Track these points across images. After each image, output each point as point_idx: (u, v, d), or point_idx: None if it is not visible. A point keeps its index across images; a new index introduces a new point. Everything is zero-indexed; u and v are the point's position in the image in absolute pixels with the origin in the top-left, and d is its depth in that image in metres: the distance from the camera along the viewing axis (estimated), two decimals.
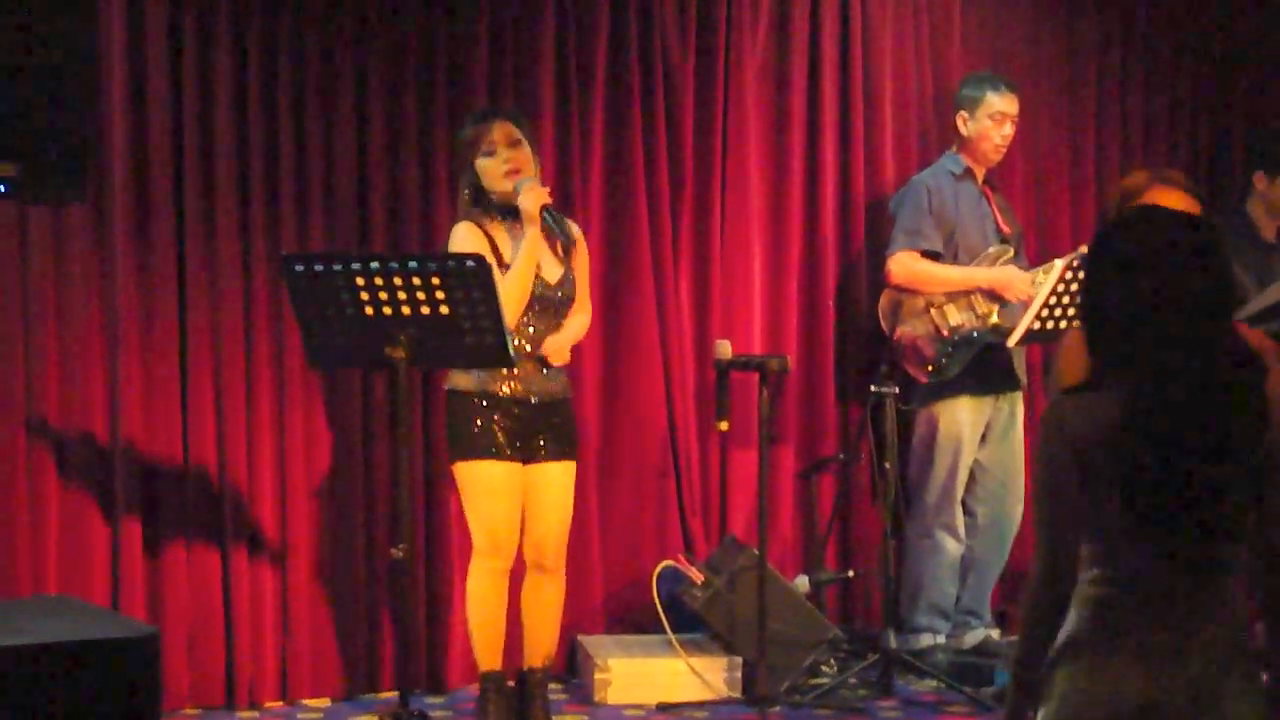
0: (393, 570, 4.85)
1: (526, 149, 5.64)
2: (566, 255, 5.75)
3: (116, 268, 5.96)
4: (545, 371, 5.68)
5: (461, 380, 5.64)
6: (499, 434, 5.60)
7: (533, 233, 5.52)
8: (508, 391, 5.60)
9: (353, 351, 4.99)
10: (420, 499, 6.38)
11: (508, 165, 5.59)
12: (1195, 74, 7.81)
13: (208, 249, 6.11)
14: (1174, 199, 3.68)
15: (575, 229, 5.85)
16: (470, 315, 4.87)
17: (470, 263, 4.85)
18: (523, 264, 5.51)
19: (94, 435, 5.97)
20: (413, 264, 4.84)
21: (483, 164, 5.60)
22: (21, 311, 5.85)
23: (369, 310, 4.84)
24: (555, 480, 5.73)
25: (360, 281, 4.80)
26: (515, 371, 5.57)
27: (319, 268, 4.82)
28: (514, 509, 5.66)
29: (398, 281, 4.81)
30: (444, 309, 4.85)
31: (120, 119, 5.94)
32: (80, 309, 5.93)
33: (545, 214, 5.53)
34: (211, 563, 6.13)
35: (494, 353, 5.01)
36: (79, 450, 5.95)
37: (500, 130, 5.60)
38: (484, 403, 5.61)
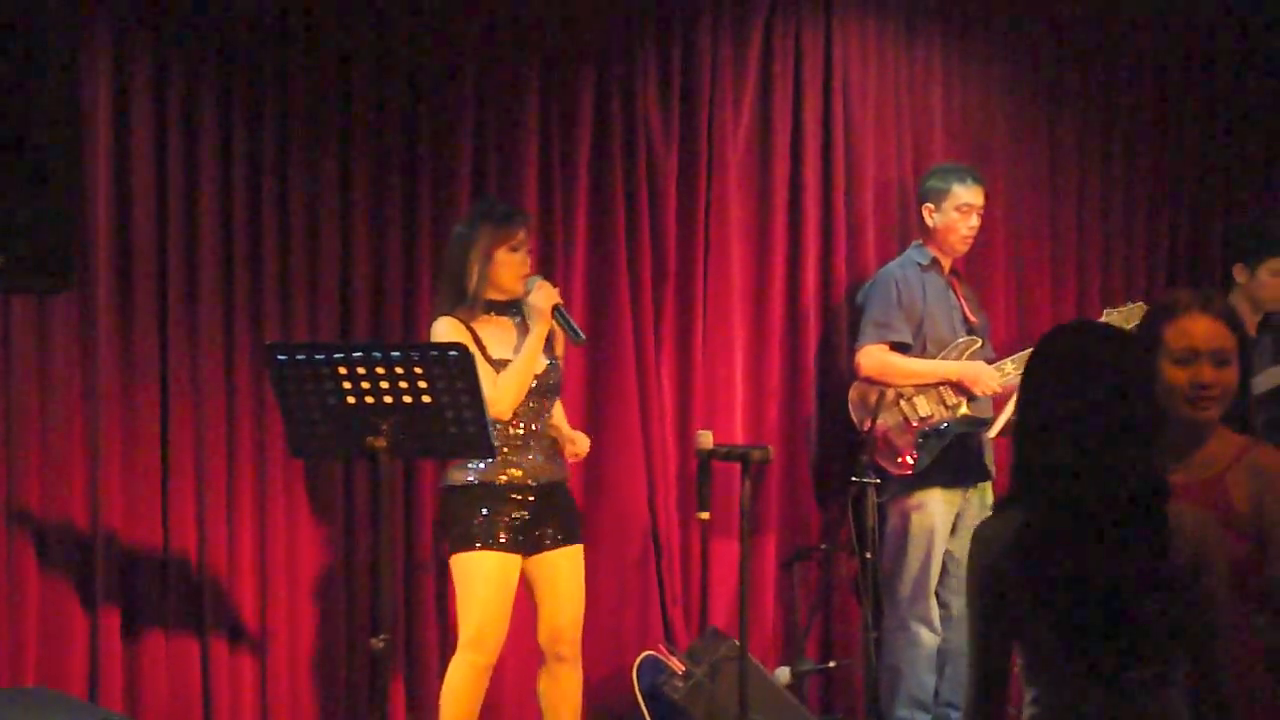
0: (373, 661, 4.81)
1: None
2: (551, 343, 5.78)
3: (99, 355, 5.95)
4: (542, 456, 5.70)
5: (460, 475, 5.64)
6: (499, 526, 5.59)
7: (541, 329, 5.59)
8: (505, 480, 5.62)
9: (335, 441, 4.98)
10: (401, 590, 6.35)
11: (525, 267, 5.68)
12: (1176, 167, 7.88)
13: (190, 337, 6.12)
14: (1205, 326, 3.72)
15: None
16: (453, 405, 4.87)
17: (453, 352, 4.85)
18: (525, 360, 5.59)
19: (74, 524, 5.94)
20: (395, 353, 4.84)
21: (507, 257, 5.65)
22: (3, 399, 5.84)
23: (351, 399, 4.84)
24: (565, 566, 5.74)
25: (343, 371, 4.80)
26: (508, 458, 5.60)
27: (301, 357, 4.82)
28: (506, 602, 5.63)
29: (380, 371, 4.81)
30: (426, 398, 4.85)
31: (104, 208, 5.96)
32: (62, 397, 5.92)
33: (557, 313, 5.61)
34: (190, 653, 6.09)
35: (476, 442, 5.01)
36: (59, 539, 5.92)
37: (522, 235, 5.68)
38: (485, 494, 5.61)
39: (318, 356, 4.81)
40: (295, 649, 6.26)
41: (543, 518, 5.68)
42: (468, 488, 5.63)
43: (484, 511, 5.59)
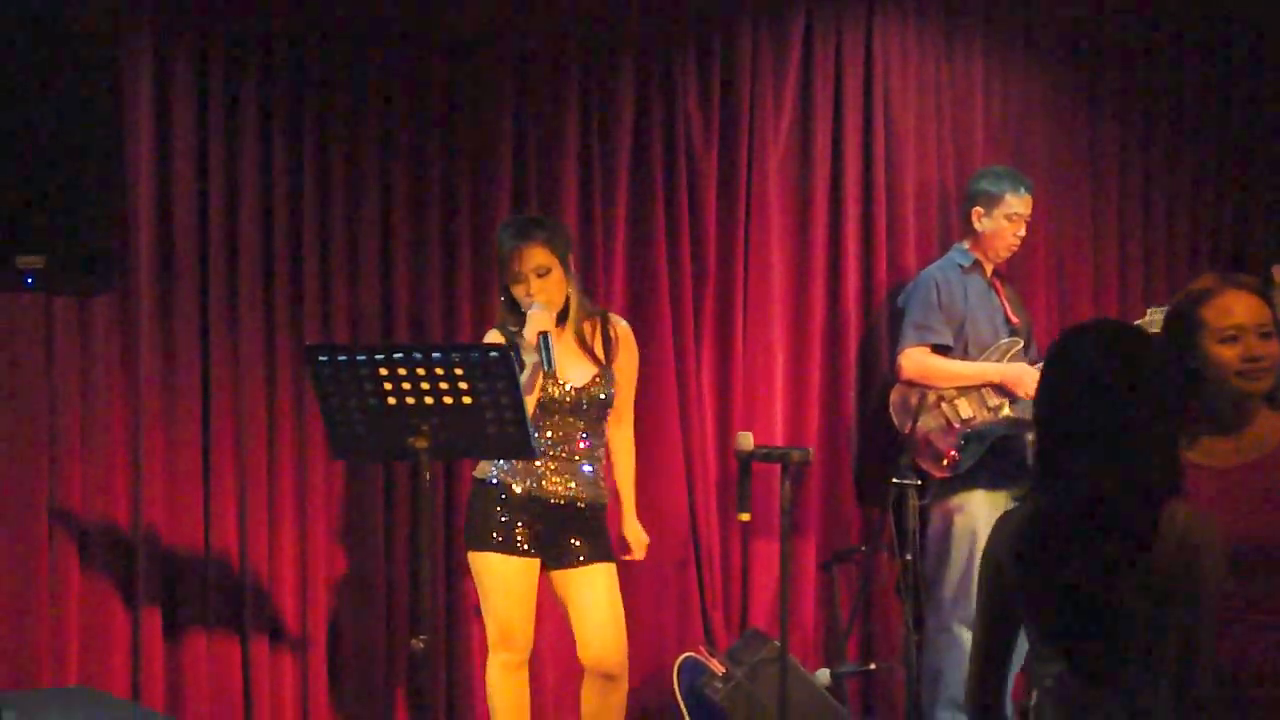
0: (413, 661, 4.82)
1: (557, 273, 5.63)
2: (607, 356, 5.75)
3: (140, 357, 5.98)
4: (583, 479, 5.68)
5: (486, 469, 5.66)
6: (517, 530, 5.60)
7: (531, 361, 5.53)
8: (520, 490, 5.61)
9: (376, 442, 4.97)
10: (441, 590, 6.36)
11: (529, 297, 5.59)
12: (1218, 167, 7.84)
13: (232, 338, 6.14)
14: (1244, 302, 3.73)
15: (619, 326, 5.86)
16: (493, 405, 4.86)
17: (493, 353, 4.85)
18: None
19: (116, 524, 5.97)
20: (435, 355, 4.83)
21: (521, 291, 5.62)
22: (47, 400, 5.87)
23: (392, 400, 4.82)
24: (598, 585, 5.70)
25: (383, 372, 4.78)
26: (536, 469, 5.60)
27: (342, 358, 4.82)
28: (526, 605, 5.65)
29: (420, 372, 4.79)
30: (466, 399, 4.83)
31: (146, 209, 5.99)
32: (104, 397, 5.96)
33: (541, 339, 5.49)
34: (232, 653, 6.12)
35: (517, 443, 5.00)
36: (101, 539, 5.95)
37: (531, 259, 5.58)
38: (503, 496, 5.61)
39: (359, 358, 4.80)
40: (336, 649, 6.28)
41: (567, 532, 5.66)
42: (490, 485, 5.63)
43: (503, 514, 5.60)
